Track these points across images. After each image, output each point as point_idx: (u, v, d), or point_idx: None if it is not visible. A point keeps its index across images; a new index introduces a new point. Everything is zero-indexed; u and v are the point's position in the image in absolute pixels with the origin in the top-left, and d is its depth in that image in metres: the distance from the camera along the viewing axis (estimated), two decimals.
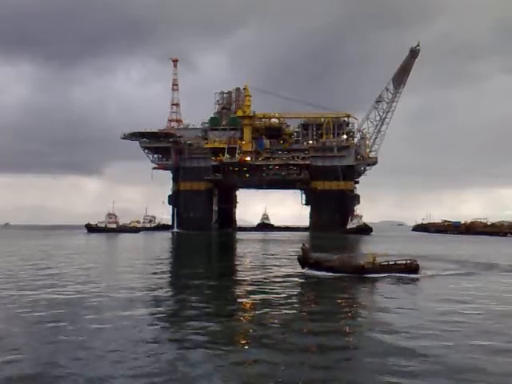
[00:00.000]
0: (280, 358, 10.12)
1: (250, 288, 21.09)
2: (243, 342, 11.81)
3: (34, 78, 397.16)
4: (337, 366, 9.76)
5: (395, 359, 10.00)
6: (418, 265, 24.92)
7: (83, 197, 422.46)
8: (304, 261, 25.63)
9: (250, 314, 15.52)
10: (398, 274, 23.66)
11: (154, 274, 25.17)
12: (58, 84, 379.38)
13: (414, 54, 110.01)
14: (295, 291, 20.30)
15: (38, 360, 9.91)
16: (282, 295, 18.78)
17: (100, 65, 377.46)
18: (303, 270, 25.49)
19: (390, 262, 25.15)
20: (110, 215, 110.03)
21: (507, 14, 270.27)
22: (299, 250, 27.29)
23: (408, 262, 25.14)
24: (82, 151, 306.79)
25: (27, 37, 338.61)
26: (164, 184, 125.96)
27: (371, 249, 52.00)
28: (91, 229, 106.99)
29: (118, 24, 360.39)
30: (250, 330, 12.96)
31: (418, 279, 23.34)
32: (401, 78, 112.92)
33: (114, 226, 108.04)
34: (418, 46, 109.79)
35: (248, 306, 16.90)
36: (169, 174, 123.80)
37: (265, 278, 24.51)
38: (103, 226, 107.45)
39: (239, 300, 18.18)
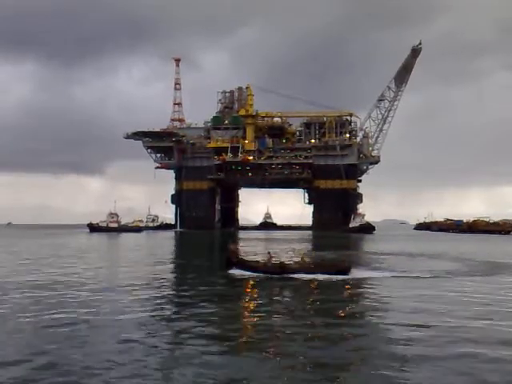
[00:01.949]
0: None
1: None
2: None
3: (35, 78, 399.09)
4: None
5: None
6: (346, 266, 23.57)
7: (85, 196, 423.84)
8: (228, 260, 25.01)
9: None
10: (322, 275, 22.25)
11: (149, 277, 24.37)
12: (60, 83, 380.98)
13: (415, 52, 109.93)
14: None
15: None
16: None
17: (102, 64, 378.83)
18: (230, 270, 24.64)
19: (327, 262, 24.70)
20: (111, 214, 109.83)
21: (508, 13, 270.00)
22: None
23: (336, 262, 24.28)
24: (84, 150, 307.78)
25: (29, 37, 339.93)
26: (167, 183, 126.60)
27: (371, 247, 52.33)
28: (93, 228, 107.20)
29: (120, 23, 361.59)
30: None
31: (343, 281, 21.69)
32: (402, 76, 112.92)
33: (116, 225, 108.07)
34: (419, 44, 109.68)
35: None
36: (171, 173, 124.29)
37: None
38: (105, 225, 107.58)
39: None
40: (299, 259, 24.26)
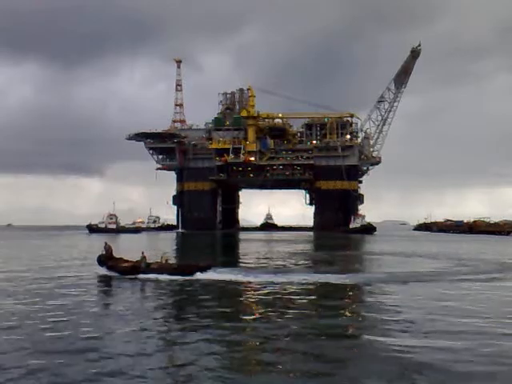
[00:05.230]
0: None
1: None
2: None
3: (37, 79, 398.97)
4: None
5: None
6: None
7: (85, 197, 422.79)
8: (98, 259, 25.35)
9: None
10: (169, 276, 22.50)
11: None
12: (61, 84, 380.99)
13: (414, 54, 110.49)
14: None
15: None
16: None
17: (103, 65, 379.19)
18: (100, 269, 25.04)
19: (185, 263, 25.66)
20: (110, 216, 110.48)
21: (509, 15, 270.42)
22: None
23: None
24: (85, 152, 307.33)
25: (32, 37, 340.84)
26: (168, 184, 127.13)
27: (371, 248, 52.72)
28: (92, 229, 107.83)
29: (122, 24, 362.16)
30: None
31: (185, 282, 21.72)
32: (402, 78, 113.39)
33: (114, 226, 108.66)
34: (419, 46, 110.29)
35: None
36: (172, 175, 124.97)
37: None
38: (103, 226, 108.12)
39: None
40: (160, 259, 24.60)
